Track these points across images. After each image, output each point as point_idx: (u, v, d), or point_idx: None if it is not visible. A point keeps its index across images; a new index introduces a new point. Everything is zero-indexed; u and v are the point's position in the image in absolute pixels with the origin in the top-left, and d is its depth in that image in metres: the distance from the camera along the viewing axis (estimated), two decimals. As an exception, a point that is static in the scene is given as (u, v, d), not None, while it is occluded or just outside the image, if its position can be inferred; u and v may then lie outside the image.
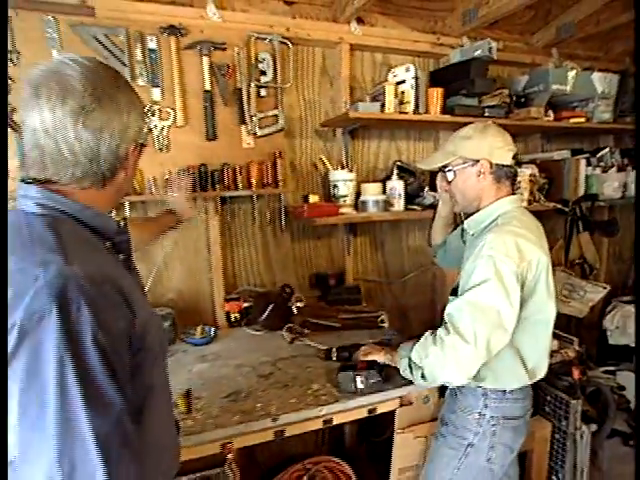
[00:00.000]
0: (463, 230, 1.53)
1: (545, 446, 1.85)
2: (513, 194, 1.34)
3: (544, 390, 1.88)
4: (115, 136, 0.73)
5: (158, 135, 1.72)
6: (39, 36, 1.54)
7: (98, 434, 0.56)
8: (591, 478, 2.17)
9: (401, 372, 1.29)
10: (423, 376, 1.21)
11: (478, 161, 1.27)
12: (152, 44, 1.68)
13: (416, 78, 1.85)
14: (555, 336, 1.88)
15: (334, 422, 1.41)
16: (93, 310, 0.59)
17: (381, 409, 1.48)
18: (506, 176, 1.30)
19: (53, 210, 0.69)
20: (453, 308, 1.19)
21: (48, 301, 0.57)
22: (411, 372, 1.24)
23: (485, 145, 1.27)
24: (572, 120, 2.20)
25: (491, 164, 1.26)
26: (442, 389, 1.56)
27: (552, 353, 1.84)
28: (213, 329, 1.83)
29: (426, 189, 2.05)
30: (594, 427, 1.92)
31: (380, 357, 1.41)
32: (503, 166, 1.28)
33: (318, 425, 1.39)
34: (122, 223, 0.82)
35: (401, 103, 1.91)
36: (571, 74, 2.13)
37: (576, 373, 1.84)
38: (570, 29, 2.33)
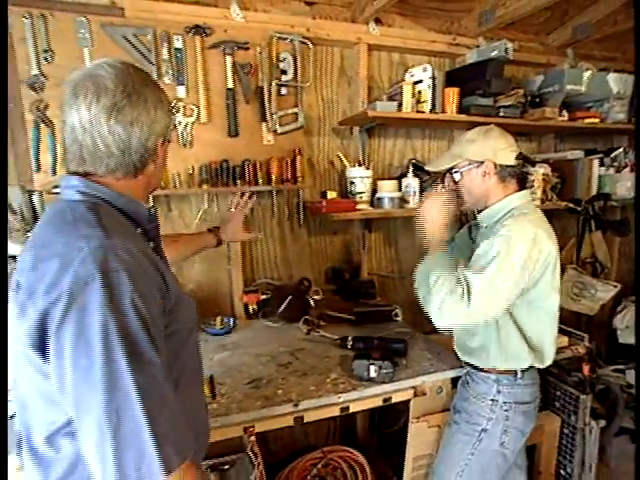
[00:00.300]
0: (471, 228, 1.62)
1: (554, 440, 1.89)
2: (522, 190, 1.40)
3: (554, 385, 1.92)
4: (144, 130, 0.79)
5: (182, 131, 1.78)
6: (72, 36, 1.60)
7: (139, 385, 0.62)
8: (599, 474, 2.22)
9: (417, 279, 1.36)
10: (422, 294, 1.31)
11: (482, 162, 1.35)
12: (178, 43, 1.74)
13: (433, 78, 1.89)
14: (565, 332, 1.92)
15: (351, 410, 1.47)
16: (131, 277, 0.65)
17: (396, 398, 1.53)
18: (510, 175, 1.37)
19: (92, 197, 0.76)
20: (473, 278, 1.21)
21: (92, 268, 0.63)
22: (421, 282, 1.32)
23: (488, 147, 1.35)
24: (586, 120, 2.22)
25: (495, 165, 1.34)
26: (455, 380, 1.61)
27: (562, 349, 1.88)
28: (232, 320, 1.90)
29: (440, 187, 2.08)
30: (603, 423, 1.96)
31: (431, 222, 1.36)
32: (507, 166, 1.35)
33: (335, 412, 1.44)
34: (152, 211, 0.87)
35: (418, 102, 1.95)
36: (586, 75, 2.16)
37: (586, 369, 1.87)
38: (586, 30, 2.35)
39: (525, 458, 1.61)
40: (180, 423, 0.69)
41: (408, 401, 1.55)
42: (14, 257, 1.32)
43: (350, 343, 1.65)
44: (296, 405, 1.35)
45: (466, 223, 1.73)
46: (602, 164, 2.33)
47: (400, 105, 1.92)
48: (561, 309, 2.26)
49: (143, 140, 0.79)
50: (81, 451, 0.64)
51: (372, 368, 1.44)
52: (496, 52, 1.92)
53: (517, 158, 1.37)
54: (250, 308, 2.01)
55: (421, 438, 1.56)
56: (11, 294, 0.70)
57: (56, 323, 0.62)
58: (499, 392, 1.38)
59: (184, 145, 1.80)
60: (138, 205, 0.83)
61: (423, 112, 1.93)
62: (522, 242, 1.22)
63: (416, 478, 1.58)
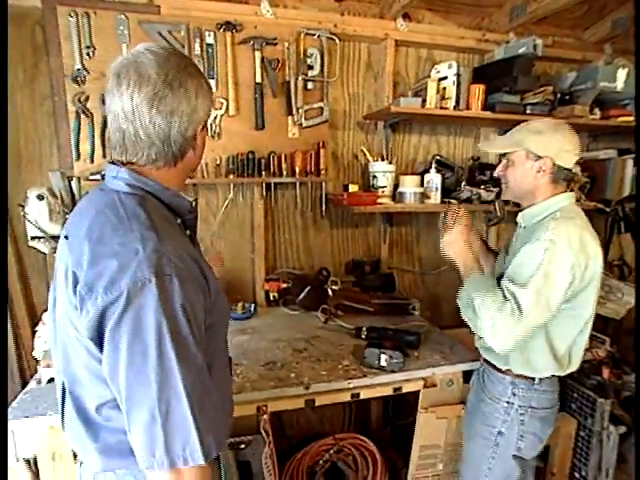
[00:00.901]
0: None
1: (569, 442, 1.87)
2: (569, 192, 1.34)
3: (571, 387, 1.90)
4: (184, 119, 0.79)
5: (211, 123, 1.86)
6: (112, 33, 1.71)
7: (186, 383, 0.67)
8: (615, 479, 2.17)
9: (459, 297, 1.30)
10: (470, 318, 1.24)
11: (541, 158, 1.27)
12: (209, 39, 1.82)
13: (458, 75, 1.89)
14: (586, 334, 1.88)
15: (361, 396, 1.51)
16: (181, 282, 0.69)
17: (406, 389, 1.57)
18: (564, 178, 1.30)
19: (140, 190, 0.79)
20: (520, 293, 1.17)
21: (149, 272, 0.66)
22: (466, 306, 1.26)
23: (554, 144, 1.26)
24: (620, 119, 2.16)
25: (554, 164, 1.26)
26: (467, 375, 1.63)
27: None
28: (253, 306, 1.98)
29: (463, 183, 2.09)
30: (623, 429, 1.92)
31: (457, 254, 1.35)
32: (565, 169, 1.27)
33: (346, 398, 1.50)
34: (194, 203, 0.89)
35: (442, 99, 1.95)
36: (622, 71, 2.09)
37: (606, 372, 1.84)
38: (626, 23, 2.28)
39: (535, 458, 1.60)
40: (220, 416, 0.75)
41: (419, 392, 1.58)
42: (54, 237, 1.44)
43: (365, 333, 1.69)
44: (307, 388, 1.41)
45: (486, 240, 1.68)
46: (637, 164, 2.25)
47: (424, 101, 1.93)
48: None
49: (183, 130, 0.80)
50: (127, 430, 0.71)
51: (383, 357, 1.49)
52: (524, 48, 1.90)
53: (576, 163, 1.29)
54: (271, 295, 2.08)
55: (429, 428, 1.58)
56: (61, 276, 0.75)
57: (114, 320, 0.66)
58: (514, 395, 1.34)
59: (212, 136, 1.88)
60: (181, 200, 0.85)
61: (447, 109, 1.93)
62: (568, 247, 1.16)
63: (422, 466, 1.61)
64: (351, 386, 1.45)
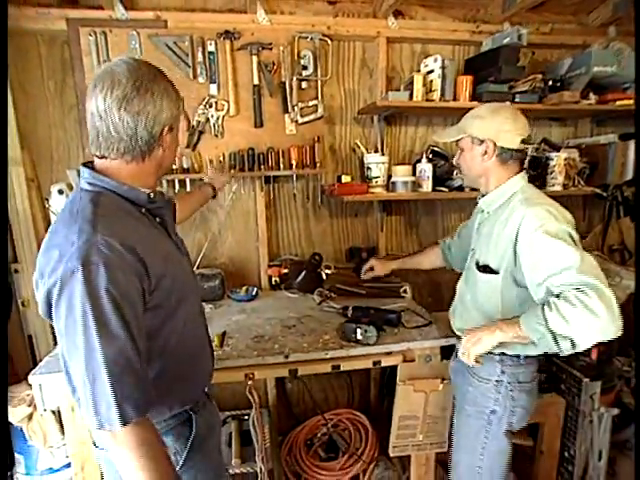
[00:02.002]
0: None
1: (557, 421, 1.90)
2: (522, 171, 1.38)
3: (560, 368, 1.93)
4: (149, 118, 0.90)
5: (214, 123, 2.06)
6: (125, 47, 1.94)
7: (106, 357, 0.79)
8: (619, 464, 2.17)
9: (534, 339, 1.17)
10: (573, 344, 1.12)
11: (483, 141, 1.33)
12: (211, 47, 2.01)
13: (443, 68, 1.97)
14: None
15: (342, 368, 1.65)
16: (107, 268, 0.80)
17: (385, 362, 1.69)
18: (513, 158, 1.34)
19: (97, 187, 0.91)
20: (571, 279, 1.13)
21: (77, 262, 0.79)
22: (557, 344, 1.14)
23: (493, 127, 1.31)
24: (619, 102, 2.14)
25: (495, 146, 1.31)
26: (445, 351, 1.72)
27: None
28: (255, 289, 2.16)
29: (455, 172, 2.16)
30: (615, 411, 1.93)
31: (495, 338, 1.25)
32: (509, 149, 1.31)
33: (327, 369, 1.64)
34: (152, 194, 0.97)
35: (429, 91, 2.04)
36: (617, 55, 2.08)
37: (594, 353, 1.86)
38: (627, 5, 2.25)
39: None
40: (143, 386, 0.83)
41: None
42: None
43: (350, 312, 1.83)
44: (287, 357, 1.57)
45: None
46: (637, 148, 2.22)
47: (412, 94, 2.03)
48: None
49: (149, 128, 0.90)
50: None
51: (359, 331, 1.62)
52: (508, 39, 1.95)
53: (523, 142, 1.33)
54: (273, 280, 2.26)
55: (407, 400, 1.70)
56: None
57: (55, 300, 0.82)
58: (503, 372, 1.38)
59: (216, 135, 2.08)
60: (136, 192, 0.95)
61: (433, 100, 2.02)
62: (560, 223, 1.19)
63: (402, 436, 1.72)
64: (328, 356, 1.59)
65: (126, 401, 0.80)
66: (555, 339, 1.14)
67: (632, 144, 2.21)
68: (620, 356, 2.36)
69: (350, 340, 1.63)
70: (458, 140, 1.43)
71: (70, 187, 1.65)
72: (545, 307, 1.15)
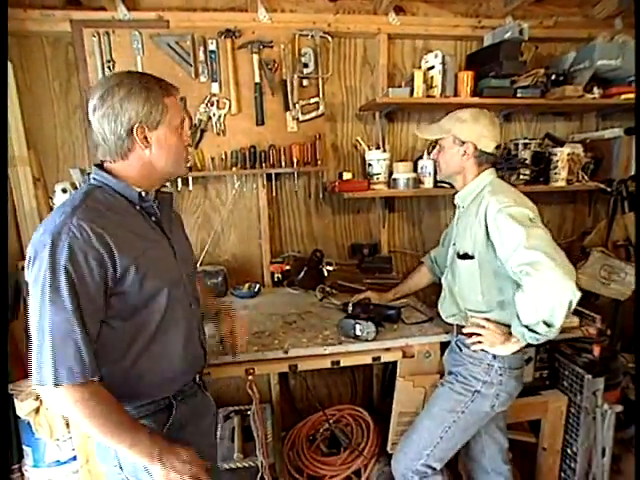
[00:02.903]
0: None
1: (559, 418, 1.89)
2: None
3: (563, 365, 1.92)
4: (111, 122, 0.99)
5: (216, 122, 2.08)
6: (128, 47, 1.97)
7: (52, 323, 0.88)
8: (623, 461, 2.16)
9: (530, 342, 1.33)
10: (548, 324, 1.26)
11: (464, 143, 1.48)
12: (212, 46, 2.03)
13: (443, 64, 1.97)
14: (576, 312, 1.90)
15: (342, 364, 1.66)
16: (71, 249, 0.89)
17: (385, 358, 1.70)
18: (487, 161, 1.51)
19: (98, 182, 1.04)
20: (521, 258, 1.27)
21: (49, 237, 0.89)
22: (537, 333, 1.28)
23: (475, 131, 1.47)
24: (624, 96, 2.11)
25: (475, 148, 1.47)
26: (444, 347, 1.72)
27: (572, 329, 1.87)
28: (258, 285, 2.18)
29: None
30: (619, 408, 1.91)
31: (507, 350, 1.42)
32: (486, 152, 1.48)
33: (327, 364, 1.65)
34: (143, 193, 1.05)
35: (430, 87, 2.03)
36: (624, 47, 2.05)
37: (597, 350, 1.85)
38: (632, -3, 2.21)
39: (506, 422, 1.69)
40: (81, 357, 0.90)
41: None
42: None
43: (350, 308, 1.83)
44: (286, 352, 1.58)
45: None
46: (637, 143, 2.19)
47: (412, 91, 2.02)
48: (593, 294, 2.22)
49: (113, 129, 0.99)
50: None
51: (357, 327, 1.63)
52: (509, 33, 1.93)
53: (496, 148, 1.50)
54: (275, 276, 2.28)
55: (406, 396, 1.70)
56: None
57: (28, 268, 0.93)
58: (494, 357, 1.46)
59: (218, 133, 2.10)
60: (130, 190, 1.04)
61: (433, 96, 2.02)
62: (519, 206, 1.34)
63: (400, 432, 1.73)
64: (327, 352, 1.61)
65: (61, 366, 0.89)
66: (531, 330, 1.30)
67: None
68: (625, 352, 2.34)
69: (349, 336, 1.64)
70: (439, 138, 1.56)
71: (74, 186, 1.68)
72: (516, 308, 1.33)
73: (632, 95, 2.11)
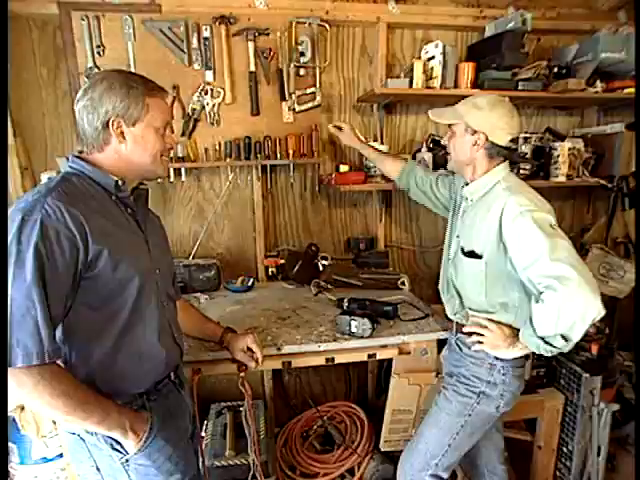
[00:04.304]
0: (446, 183, 1.72)
1: (555, 416, 1.88)
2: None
3: (559, 363, 1.90)
4: (89, 114, 1.01)
5: (210, 111, 2.02)
6: (119, 32, 1.90)
7: (13, 299, 0.85)
8: (618, 459, 2.15)
9: (537, 352, 1.26)
10: (566, 338, 1.18)
11: (476, 132, 1.36)
12: (206, 33, 1.96)
13: (444, 54, 1.91)
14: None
15: (336, 361, 1.63)
16: (42, 226, 0.87)
17: (381, 355, 1.67)
18: (499, 154, 1.39)
19: (75, 170, 1.03)
20: (544, 270, 1.19)
21: (19, 214, 0.88)
22: (553, 346, 1.21)
23: (489, 121, 1.34)
24: (626, 90, 2.07)
25: (487, 139, 1.35)
26: (441, 344, 1.69)
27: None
28: (252, 279, 2.13)
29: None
30: (615, 407, 1.89)
31: (510, 354, 1.38)
32: (498, 146, 1.36)
33: (321, 361, 1.62)
34: (120, 182, 1.04)
35: (430, 78, 1.98)
36: (628, 40, 2.01)
37: (594, 348, 1.82)
38: (638, -11, 2.17)
39: (502, 422, 1.67)
40: (40, 338, 0.87)
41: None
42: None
43: (346, 304, 1.80)
44: (279, 349, 1.54)
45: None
46: (637, 138, 2.15)
47: (411, 81, 1.97)
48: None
49: (90, 120, 1.01)
50: None
51: (353, 323, 1.59)
52: (512, 24, 1.88)
53: (511, 141, 1.38)
54: (270, 271, 2.23)
55: (401, 393, 1.67)
56: None
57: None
58: (496, 357, 1.40)
59: (212, 123, 2.04)
60: (106, 178, 1.03)
61: (433, 88, 1.97)
62: (541, 211, 1.24)
63: (394, 430, 1.70)
64: (321, 349, 1.57)
65: (18, 345, 0.85)
66: (547, 342, 1.21)
67: (638, 134, 2.14)
68: (622, 351, 2.33)
69: (344, 333, 1.60)
70: (451, 124, 1.45)
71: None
72: (531, 317, 1.24)
73: (634, 89, 2.07)
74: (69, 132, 2.03)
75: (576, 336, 1.17)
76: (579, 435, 1.85)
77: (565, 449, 1.91)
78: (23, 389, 0.88)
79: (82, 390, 0.95)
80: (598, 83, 2.05)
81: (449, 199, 1.68)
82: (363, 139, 2.02)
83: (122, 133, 1.03)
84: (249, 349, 1.47)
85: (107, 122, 1.01)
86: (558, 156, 2.07)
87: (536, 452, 1.93)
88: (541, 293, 1.21)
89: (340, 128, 1.99)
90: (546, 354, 1.24)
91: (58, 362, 0.93)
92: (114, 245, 0.99)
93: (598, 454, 1.92)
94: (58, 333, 0.96)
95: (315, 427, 2.13)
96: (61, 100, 2.01)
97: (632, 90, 2.06)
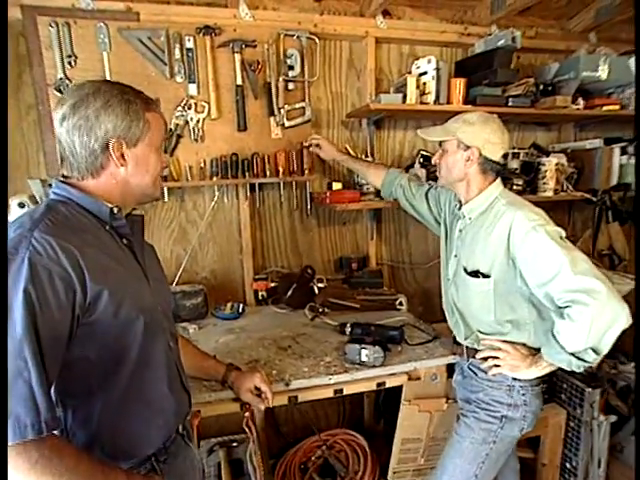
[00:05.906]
0: (435, 196, 1.71)
1: (559, 433, 1.87)
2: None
3: (560, 378, 1.90)
4: (83, 135, 0.86)
5: (194, 127, 1.89)
6: (92, 41, 1.74)
7: (7, 348, 0.70)
8: (613, 471, 2.17)
9: (567, 369, 1.24)
10: (596, 350, 1.18)
11: (469, 148, 1.37)
12: (189, 44, 1.84)
13: (437, 69, 1.89)
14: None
15: (345, 392, 1.53)
16: (31, 266, 0.73)
17: (390, 383, 1.58)
18: (492, 170, 1.40)
19: (61, 197, 0.89)
20: (569, 284, 1.18)
21: (7, 251, 0.74)
22: (584, 361, 1.20)
23: (482, 136, 1.35)
24: (605, 108, 2.15)
25: (480, 155, 1.36)
26: (451, 369, 1.64)
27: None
28: (241, 305, 2.00)
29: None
30: (613, 418, 1.92)
31: (530, 374, 1.35)
32: (491, 160, 1.37)
33: (329, 394, 1.51)
34: (115, 209, 0.91)
35: (423, 94, 1.96)
36: (605, 60, 2.08)
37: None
38: (609, 11, 2.26)
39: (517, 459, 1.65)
40: (38, 401, 0.72)
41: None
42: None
43: (349, 329, 1.71)
44: (287, 384, 1.43)
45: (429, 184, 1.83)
46: (624, 153, 2.24)
47: (405, 97, 1.94)
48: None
49: (84, 143, 0.87)
50: None
51: (364, 352, 1.50)
52: (503, 41, 1.90)
53: (503, 157, 1.41)
54: (259, 295, 2.11)
55: (411, 421, 1.60)
56: None
57: None
58: (515, 378, 1.37)
59: (196, 140, 1.90)
60: (99, 205, 0.90)
61: (427, 104, 1.94)
62: (550, 224, 1.26)
63: (403, 460, 1.63)
64: (332, 382, 1.47)
65: (10, 417, 0.70)
66: (579, 358, 1.20)
67: (617, 149, 2.21)
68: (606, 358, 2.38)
69: (354, 362, 1.51)
70: (443, 141, 1.44)
71: (33, 200, 1.44)
72: (555, 334, 1.22)
73: (613, 107, 2.15)
74: (34, 149, 1.83)
75: (606, 348, 1.18)
76: (583, 450, 1.85)
77: (569, 465, 1.91)
78: (19, 472, 0.71)
79: (86, 462, 0.79)
80: (580, 100, 2.10)
81: (438, 215, 1.69)
82: (343, 150, 2.00)
83: (122, 155, 0.90)
84: (257, 388, 1.35)
85: (106, 144, 0.88)
86: (546, 171, 2.10)
87: (540, 470, 1.91)
88: (561, 308, 1.20)
89: (318, 145, 1.94)
90: (577, 370, 1.23)
91: (56, 432, 0.77)
92: (114, 283, 0.86)
93: (599, 466, 1.93)
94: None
95: (313, 458, 2.01)
96: (25, 114, 1.81)
97: (611, 107, 2.14)
